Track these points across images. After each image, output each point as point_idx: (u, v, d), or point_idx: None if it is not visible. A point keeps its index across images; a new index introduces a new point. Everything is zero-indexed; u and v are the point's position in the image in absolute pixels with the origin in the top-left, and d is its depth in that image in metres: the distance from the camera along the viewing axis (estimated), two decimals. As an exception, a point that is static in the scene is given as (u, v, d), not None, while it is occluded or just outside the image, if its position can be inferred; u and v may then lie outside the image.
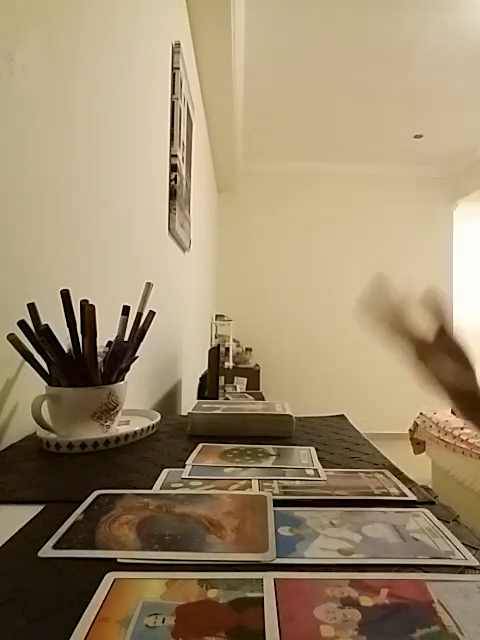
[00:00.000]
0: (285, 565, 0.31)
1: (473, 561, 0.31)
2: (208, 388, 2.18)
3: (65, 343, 0.58)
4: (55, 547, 0.33)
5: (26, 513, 0.38)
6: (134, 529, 0.35)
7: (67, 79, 0.77)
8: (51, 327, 0.56)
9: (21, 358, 0.58)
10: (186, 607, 0.26)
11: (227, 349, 3.95)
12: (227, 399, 2.48)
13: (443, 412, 2.98)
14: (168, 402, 1.76)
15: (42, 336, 0.56)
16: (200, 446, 0.59)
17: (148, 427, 0.64)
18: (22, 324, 0.57)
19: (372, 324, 0.56)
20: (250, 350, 4.28)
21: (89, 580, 0.29)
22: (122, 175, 1.09)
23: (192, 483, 0.46)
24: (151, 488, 0.44)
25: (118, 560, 0.31)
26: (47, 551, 0.32)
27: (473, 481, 2.37)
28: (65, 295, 0.58)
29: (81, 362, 0.58)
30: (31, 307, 0.59)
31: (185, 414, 0.73)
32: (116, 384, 0.62)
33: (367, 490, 0.44)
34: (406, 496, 0.43)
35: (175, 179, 1.72)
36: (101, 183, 0.95)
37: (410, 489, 0.45)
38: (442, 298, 0.54)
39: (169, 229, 1.71)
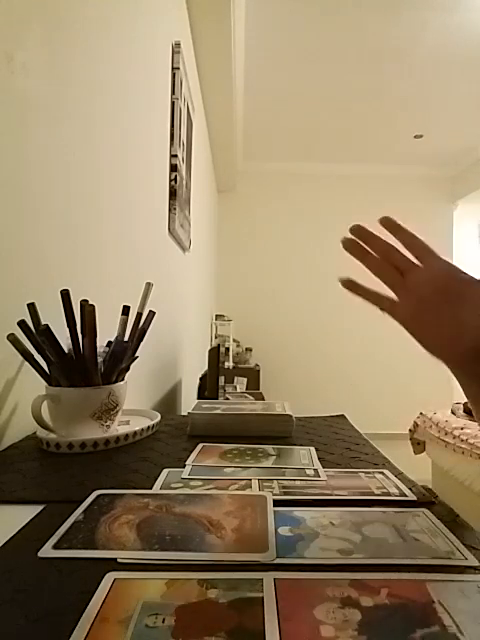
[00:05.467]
0: (285, 565, 0.31)
1: (473, 561, 0.31)
2: (208, 388, 2.18)
3: (65, 343, 0.58)
4: (55, 547, 0.33)
5: (26, 513, 0.38)
6: (134, 529, 0.35)
7: (67, 79, 0.77)
8: (51, 327, 0.56)
9: (21, 358, 0.58)
10: (186, 607, 0.26)
11: (227, 349, 3.95)
12: (227, 399, 2.48)
13: (443, 412, 2.98)
14: (168, 402, 1.76)
15: (42, 336, 0.56)
16: (200, 446, 0.59)
17: (148, 427, 0.64)
18: (22, 324, 0.57)
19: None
20: (250, 350, 4.28)
21: (89, 580, 0.29)
22: (122, 175, 1.09)
23: (192, 483, 0.46)
24: (151, 488, 0.44)
25: (118, 560, 0.31)
26: (47, 551, 0.32)
27: (473, 481, 2.37)
28: (65, 295, 0.58)
29: (81, 362, 0.58)
30: (31, 307, 0.59)
31: (185, 414, 0.73)
32: (116, 384, 0.62)
33: (367, 490, 0.44)
34: (406, 496, 0.43)
35: (175, 179, 1.72)
36: (101, 183, 0.95)
37: (410, 489, 0.45)
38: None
39: (169, 229, 1.71)
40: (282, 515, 0.38)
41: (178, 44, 1.74)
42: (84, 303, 0.59)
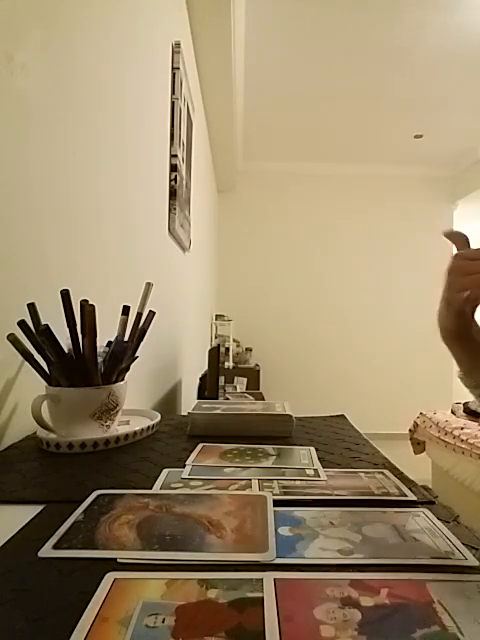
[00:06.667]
0: (285, 565, 0.31)
1: (473, 561, 0.31)
2: (208, 388, 2.18)
3: (65, 343, 0.58)
4: (55, 547, 0.33)
5: (26, 513, 0.38)
6: (134, 529, 0.35)
7: (67, 79, 0.77)
8: (51, 327, 0.56)
9: (21, 358, 0.58)
10: (186, 607, 0.26)
11: (227, 349, 3.95)
12: (227, 399, 2.48)
13: (443, 412, 2.98)
14: (168, 402, 1.76)
15: (42, 336, 0.56)
16: (200, 446, 0.59)
17: (148, 427, 0.64)
18: (22, 324, 0.57)
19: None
20: (250, 350, 4.28)
21: (89, 580, 0.29)
22: (122, 175, 1.09)
23: (192, 483, 0.46)
24: (151, 488, 0.44)
25: (118, 560, 0.31)
26: (47, 551, 0.32)
27: (473, 481, 2.37)
28: (65, 295, 0.58)
29: (81, 362, 0.58)
30: (31, 307, 0.59)
31: (185, 414, 0.73)
32: (116, 384, 0.62)
33: (367, 490, 0.44)
34: (406, 496, 0.43)
35: (175, 179, 1.72)
36: (101, 183, 0.95)
37: (410, 489, 0.45)
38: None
39: (169, 229, 1.71)
40: (282, 515, 0.38)
41: (178, 44, 1.74)
42: (84, 303, 0.59)
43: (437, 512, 0.39)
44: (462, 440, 2.49)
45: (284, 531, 0.35)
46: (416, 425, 3.06)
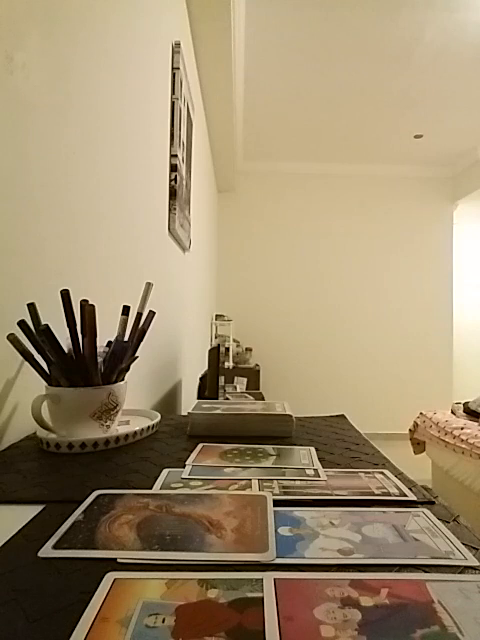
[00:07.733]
0: (285, 565, 0.31)
1: (473, 561, 0.31)
2: (208, 388, 2.18)
3: (65, 343, 0.58)
4: (55, 547, 0.33)
5: (26, 513, 0.38)
6: (134, 529, 0.35)
7: (67, 79, 0.77)
8: (51, 327, 0.56)
9: (21, 358, 0.58)
10: (186, 607, 0.26)
11: (227, 349, 3.95)
12: (227, 399, 2.48)
13: (443, 412, 2.98)
14: (168, 402, 1.76)
15: (42, 336, 0.56)
16: (200, 446, 0.59)
17: (148, 427, 0.64)
18: (22, 324, 0.57)
19: None
20: (250, 350, 4.28)
21: (89, 580, 0.29)
22: (122, 175, 1.09)
23: (192, 483, 0.46)
24: (151, 488, 0.44)
25: (118, 560, 0.31)
26: (47, 551, 0.32)
27: (473, 481, 2.37)
28: (65, 295, 0.58)
29: (81, 362, 0.58)
30: (31, 307, 0.59)
31: (185, 414, 0.73)
32: (116, 384, 0.62)
33: (367, 490, 0.44)
34: (406, 496, 0.43)
35: (175, 179, 1.72)
36: (101, 183, 0.95)
37: (410, 489, 0.45)
38: None
39: (169, 229, 1.71)
40: (282, 515, 0.38)
41: (178, 44, 1.74)
42: (84, 303, 0.59)
43: (437, 512, 0.39)
44: (462, 440, 2.49)
45: (284, 531, 0.35)
46: (416, 425, 3.06)
